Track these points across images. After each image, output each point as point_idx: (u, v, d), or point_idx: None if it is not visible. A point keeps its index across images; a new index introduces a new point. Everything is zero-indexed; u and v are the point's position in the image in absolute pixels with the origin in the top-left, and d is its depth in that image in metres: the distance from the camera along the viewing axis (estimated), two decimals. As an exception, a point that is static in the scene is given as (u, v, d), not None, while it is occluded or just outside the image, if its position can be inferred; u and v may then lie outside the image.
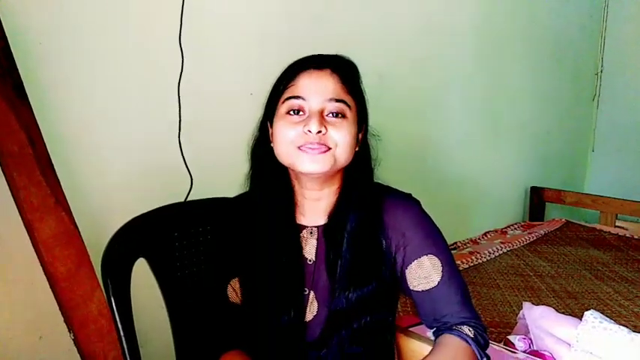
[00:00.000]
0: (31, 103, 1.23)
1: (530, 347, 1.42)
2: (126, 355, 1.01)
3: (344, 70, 0.97)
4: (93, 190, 1.46)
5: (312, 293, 0.99)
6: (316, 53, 0.99)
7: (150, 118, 1.57)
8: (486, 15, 2.84)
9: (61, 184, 1.26)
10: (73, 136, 1.42)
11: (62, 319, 1.25)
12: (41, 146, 1.23)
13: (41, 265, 1.23)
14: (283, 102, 0.94)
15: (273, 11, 1.86)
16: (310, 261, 1.00)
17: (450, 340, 0.94)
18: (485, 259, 2.49)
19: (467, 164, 2.88)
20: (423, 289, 0.98)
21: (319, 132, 0.90)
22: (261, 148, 1.01)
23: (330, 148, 0.92)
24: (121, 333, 1.01)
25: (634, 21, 3.63)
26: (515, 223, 3.19)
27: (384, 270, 0.98)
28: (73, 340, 1.25)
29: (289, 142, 0.92)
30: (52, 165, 1.24)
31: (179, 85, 1.59)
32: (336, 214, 0.99)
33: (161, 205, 1.17)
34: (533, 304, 1.51)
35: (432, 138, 2.66)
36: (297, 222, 1.02)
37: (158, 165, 1.59)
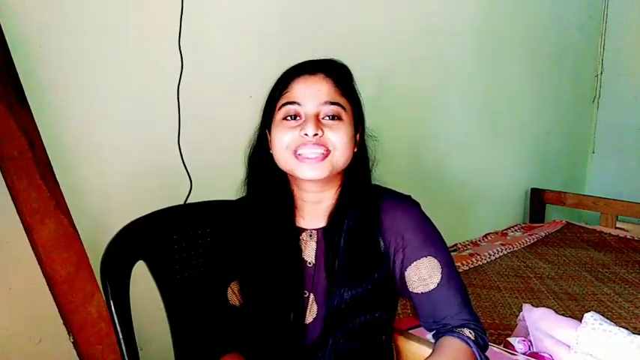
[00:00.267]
0: (31, 106, 1.23)
1: (530, 349, 1.42)
2: (125, 357, 1.01)
3: (337, 73, 0.98)
4: (92, 193, 1.46)
5: (311, 296, 1.00)
6: (310, 59, 1.00)
7: (149, 120, 1.57)
8: (486, 16, 2.84)
9: (61, 187, 1.26)
10: (72, 139, 1.42)
11: (62, 321, 1.25)
12: (41, 149, 1.23)
13: (41, 267, 1.23)
14: (279, 109, 0.96)
15: (272, 12, 1.86)
16: (310, 264, 1.01)
17: (451, 342, 0.94)
18: (485, 261, 2.48)
19: (467, 165, 2.88)
20: (423, 291, 0.98)
21: (315, 135, 0.91)
22: (260, 155, 1.02)
23: (328, 152, 0.93)
24: (120, 336, 1.01)
25: (634, 22, 3.63)
26: (516, 225, 3.19)
27: (380, 271, 0.98)
28: (72, 342, 1.24)
29: (286, 147, 0.94)
30: (52, 168, 1.25)
31: (178, 87, 1.59)
32: (336, 216, 1.00)
33: (160, 207, 1.18)
34: (533, 305, 1.50)
35: (432, 139, 2.66)
36: (297, 225, 1.02)
37: (157, 167, 1.59)
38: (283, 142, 0.94)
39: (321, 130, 0.92)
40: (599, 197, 3.23)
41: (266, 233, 1.00)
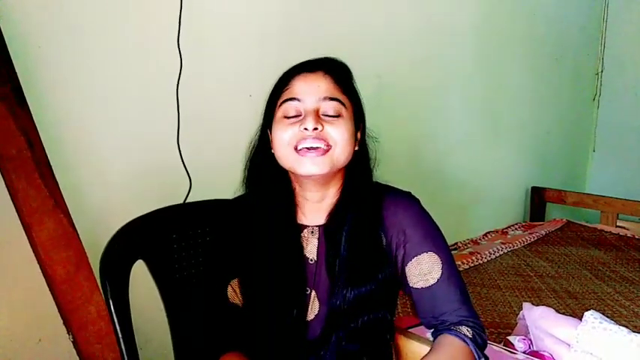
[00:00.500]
0: (30, 106, 1.23)
1: (530, 348, 1.42)
2: (124, 356, 1.01)
3: (337, 71, 0.99)
4: (91, 193, 1.46)
5: (313, 293, 1.00)
6: (310, 58, 1.01)
7: (149, 119, 1.57)
8: (486, 15, 2.84)
9: (60, 186, 1.26)
10: (71, 139, 1.42)
11: (61, 321, 1.26)
12: (40, 149, 1.23)
13: (40, 267, 1.23)
14: (279, 106, 0.96)
15: (272, 12, 1.86)
16: (312, 260, 1.01)
17: (449, 341, 0.94)
18: (485, 260, 2.48)
19: (467, 164, 2.87)
20: (423, 286, 0.98)
21: (315, 129, 0.91)
22: (261, 154, 1.02)
23: (329, 147, 0.93)
24: (120, 335, 1.01)
25: (634, 21, 3.63)
26: (516, 224, 3.19)
27: (383, 269, 0.99)
28: (72, 342, 1.25)
29: (287, 144, 0.94)
30: (51, 168, 1.25)
31: (178, 87, 1.59)
32: (337, 213, 1.00)
33: (160, 206, 1.17)
34: (533, 304, 1.50)
35: (432, 138, 2.65)
36: (299, 222, 1.02)
37: (157, 166, 1.59)
38: (284, 138, 0.94)
39: (321, 124, 0.92)
40: (600, 196, 3.23)
41: (267, 230, 1.00)
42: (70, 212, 1.27)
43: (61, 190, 1.27)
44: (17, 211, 1.22)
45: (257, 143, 1.04)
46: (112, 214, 1.34)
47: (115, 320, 1.01)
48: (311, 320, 0.99)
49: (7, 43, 1.22)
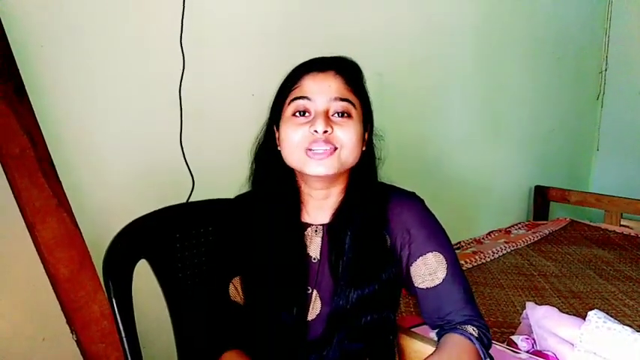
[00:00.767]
0: (33, 105, 1.24)
1: (533, 347, 1.42)
2: (128, 355, 1.01)
3: (348, 71, 0.98)
4: (94, 192, 1.46)
5: (315, 292, 1.00)
6: (319, 56, 1.00)
7: (151, 119, 1.57)
8: (488, 13, 2.83)
9: (63, 185, 1.26)
10: (74, 138, 1.42)
11: (65, 320, 1.26)
12: (43, 148, 1.23)
13: (43, 266, 1.23)
14: (289, 104, 0.95)
15: (274, 11, 1.86)
16: (315, 259, 1.00)
17: (455, 340, 0.94)
18: (489, 259, 2.48)
19: (470, 164, 2.87)
20: (428, 286, 0.98)
21: (325, 132, 0.91)
22: (267, 151, 1.02)
23: (336, 149, 0.92)
24: (123, 334, 1.01)
25: (638, 18, 3.61)
26: (520, 223, 3.18)
27: (387, 270, 0.98)
28: (75, 341, 1.25)
29: (296, 145, 0.93)
30: (54, 167, 1.25)
31: (180, 86, 1.59)
32: (341, 212, 1.00)
33: (163, 206, 1.17)
34: (536, 303, 1.50)
35: (435, 138, 2.65)
36: (302, 220, 1.02)
37: (160, 166, 1.60)
38: (293, 139, 0.93)
39: (331, 127, 0.92)
40: (604, 195, 3.22)
41: (271, 228, 1.00)
42: (73, 211, 1.27)
43: (64, 190, 1.27)
44: (20, 210, 1.22)
45: (263, 139, 1.03)
46: (114, 213, 1.34)
47: (119, 319, 1.01)
48: (312, 320, 0.99)
49: (9, 42, 1.22)
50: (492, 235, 2.91)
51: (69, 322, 1.25)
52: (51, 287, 1.25)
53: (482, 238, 2.85)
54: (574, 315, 1.44)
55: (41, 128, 1.24)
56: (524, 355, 1.35)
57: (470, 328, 0.95)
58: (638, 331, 1.25)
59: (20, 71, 1.22)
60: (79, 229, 1.26)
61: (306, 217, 1.02)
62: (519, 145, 3.25)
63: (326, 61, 0.98)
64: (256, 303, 0.99)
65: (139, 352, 1.03)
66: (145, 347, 1.08)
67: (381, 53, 2.25)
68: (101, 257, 1.04)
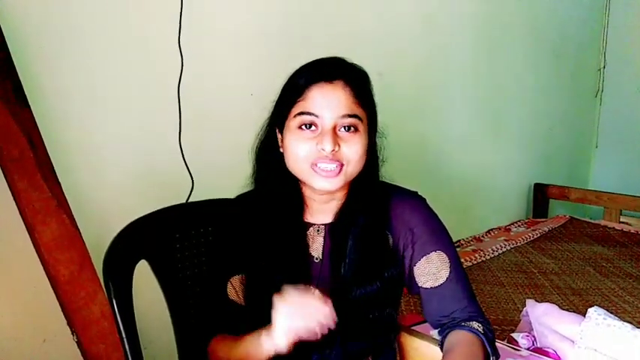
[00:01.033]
0: (32, 107, 1.24)
1: (533, 344, 1.42)
2: (128, 356, 1.01)
3: (356, 81, 0.96)
4: (94, 193, 1.46)
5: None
6: (324, 58, 0.97)
7: (150, 119, 1.57)
8: (488, 11, 2.83)
9: (62, 186, 1.26)
10: (73, 139, 1.42)
11: (65, 321, 1.26)
12: (42, 150, 1.23)
13: (43, 268, 1.24)
14: (295, 116, 0.93)
15: (272, 10, 1.86)
16: (317, 259, 1.01)
17: (463, 336, 0.95)
18: (488, 257, 2.48)
19: (469, 162, 2.87)
20: (432, 285, 0.99)
21: (333, 150, 0.90)
22: (269, 151, 1.01)
23: (342, 166, 0.92)
24: (124, 335, 1.01)
25: (637, 15, 3.61)
26: (519, 221, 3.18)
27: (389, 270, 0.99)
28: (76, 342, 1.25)
29: (303, 159, 0.93)
30: (53, 168, 1.25)
31: (179, 86, 1.59)
32: (343, 213, 1.00)
33: (162, 206, 1.17)
34: (536, 301, 1.50)
35: (434, 136, 2.65)
36: (305, 220, 1.02)
37: (159, 166, 1.60)
38: (299, 153, 0.93)
39: (338, 144, 0.91)
40: (603, 192, 3.22)
41: (273, 228, 1.00)
42: (73, 213, 1.27)
43: (64, 191, 1.27)
44: (20, 211, 1.22)
45: (264, 139, 1.03)
46: (114, 214, 1.34)
47: (119, 320, 1.01)
48: None
49: (8, 43, 1.22)
50: (492, 233, 2.91)
51: (69, 322, 1.25)
52: (51, 288, 1.25)
53: (482, 236, 2.85)
54: (574, 312, 1.44)
55: (40, 130, 1.25)
56: (524, 353, 1.35)
57: (475, 324, 0.96)
58: (638, 328, 1.25)
59: (19, 72, 1.22)
60: (79, 230, 1.26)
61: (308, 217, 1.03)
62: (519, 143, 3.25)
63: (334, 68, 0.95)
64: (259, 302, 0.99)
65: (139, 352, 1.03)
66: (146, 347, 1.08)
67: (381, 52, 2.25)
68: (101, 258, 1.04)
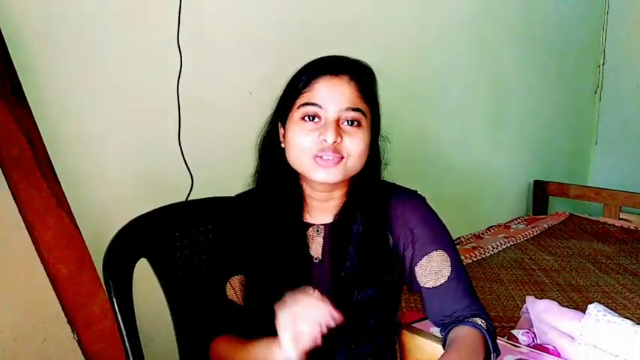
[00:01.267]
0: (31, 106, 1.23)
1: (533, 341, 1.42)
2: (129, 354, 1.01)
3: (362, 77, 0.96)
4: (93, 192, 1.46)
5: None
6: (332, 55, 0.98)
7: (149, 118, 1.57)
8: (487, 10, 2.83)
9: (62, 185, 1.26)
10: (73, 138, 1.42)
11: (65, 320, 1.26)
12: (41, 148, 1.23)
13: (43, 266, 1.24)
14: (299, 107, 0.93)
15: (271, 10, 1.85)
16: (317, 259, 1.01)
17: (466, 331, 0.95)
18: (488, 254, 2.48)
19: (469, 159, 2.87)
20: (434, 285, 0.99)
21: (335, 142, 0.90)
22: (270, 147, 1.01)
23: (342, 157, 0.92)
24: (124, 333, 1.01)
25: (636, 12, 3.61)
26: (519, 218, 3.18)
27: (390, 271, 0.99)
28: (76, 341, 1.25)
29: (305, 151, 0.92)
30: (53, 167, 1.25)
31: (178, 85, 1.59)
32: (343, 213, 1.00)
33: (162, 204, 1.18)
34: (536, 297, 1.50)
35: (434, 133, 2.65)
36: (304, 220, 1.02)
37: (158, 165, 1.60)
38: (302, 145, 0.92)
39: (340, 136, 0.91)
40: (602, 188, 3.22)
41: (273, 227, 0.99)
42: (73, 211, 1.27)
43: (63, 190, 1.27)
44: (20, 210, 1.22)
45: (266, 135, 1.02)
46: (114, 212, 1.34)
47: (119, 319, 1.01)
48: None
49: (6, 42, 1.22)
50: (492, 230, 2.91)
51: (70, 321, 1.25)
52: (51, 287, 1.25)
53: (482, 234, 2.85)
54: (574, 308, 1.44)
55: (40, 129, 1.24)
56: (524, 349, 1.35)
57: (478, 320, 0.96)
58: (638, 324, 1.25)
59: (18, 71, 1.22)
60: (79, 229, 1.27)
61: (308, 217, 1.02)
62: (518, 141, 3.25)
63: (341, 63, 0.95)
64: (258, 302, 0.99)
65: (140, 351, 1.03)
66: (147, 346, 1.08)
67: (380, 51, 2.25)
68: (101, 256, 1.04)
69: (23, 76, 1.23)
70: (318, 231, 1.01)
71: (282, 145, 0.98)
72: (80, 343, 1.24)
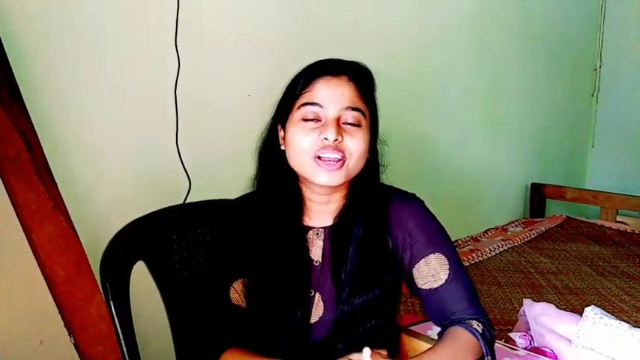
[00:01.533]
0: (28, 108, 1.23)
1: (530, 344, 1.42)
2: (126, 358, 1.00)
3: (361, 78, 0.97)
4: (91, 194, 1.46)
5: (317, 295, 0.99)
6: (332, 58, 0.98)
7: (147, 121, 1.57)
8: (484, 10, 2.83)
9: (59, 188, 1.26)
10: (70, 140, 1.42)
11: (62, 323, 1.25)
12: (39, 151, 1.23)
13: (40, 269, 1.23)
14: (299, 108, 0.94)
15: (269, 11, 1.86)
16: (317, 262, 1.00)
17: (458, 333, 0.95)
18: (486, 257, 2.48)
19: (466, 161, 2.87)
20: (431, 287, 0.99)
21: (336, 140, 0.90)
22: (270, 150, 1.01)
23: (345, 158, 0.92)
24: (121, 336, 1.01)
25: (632, 15, 3.62)
26: (516, 220, 3.19)
27: (389, 273, 0.99)
28: (73, 344, 1.25)
29: (305, 151, 0.92)
30: (50, 169, 1.25)
31: (176, 87, 1.59)
32: (343, 216, 1.00)
33: (159, 207, 1.17)
34: (534, 300, 1.50)
35: (431, 135, 2.65)
36: (304, 223, 1.02)
37: (156, 167, 1.59)
38: (302, 145, 0.92)
39: (341, 135, 0.91)
40: (599, 191, 3.23)
41: (273, 231, 0.99)
42: (70, 214, 1.27)
43: (60, 192, 1.26)
44: (17, 213, 1.22)
45: (266, 138, 1.02)
46: (111, 215, 1.34)
47: (116, 321, 1.01)
48: (315, 323, 0.99)
49: (3, 44, 1.22)
50: (489, 233, 2.91)
51: (66, 324, 1.25)
52: (48, 290, 1.24)
53: (479, 236, 2.85)
54: (571, 311, 1.44)
55: (37, 131, 1.24)
56: (522, 352, 1.35)
57: (475, 324, 0.96)
58: (634, 327, 1.25)
59: (15, 74, 1.22)
60: (76, 232, 1.26)
61: (307, 220, 1.02)
62: (515, 143, 3.25)
63: (340, 64, 0.96)
64: (259, 306, 0.98)
65: (137, 354, 1.03)
66: (144, 349, 1.08)
67: (380, 51, 2.26)
68: (98, 259, 1.03)
69: (21, 78, 1.23)
70: (318, 234, 1.01)
71: (282, 148, 0.98)
72: (77, 346, 1.24)
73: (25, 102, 1.23)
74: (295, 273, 0.98)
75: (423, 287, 1.00)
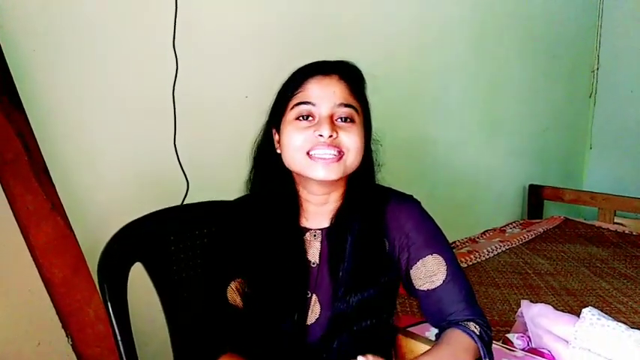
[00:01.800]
0: (26, 110, 1.23)
1: (528, 345, 1.42)
2: (123, 359, 1.00)
3: (351, 76, 0.98)
4: (88, 195, 1.46)
5: (314, 296, 1.00)
6: (321, 60, 1.00)
7: (145, 121, 1.57)
8: (482, 12, 2.84)
9: (57, 188, 1.26)
10: (68, 142, 1.42)
11: (60, 324, 1.25)
12: (36, 153, 1.23)
13: (38, 270, 1.23)
14: (292, 108, 0.95)
15: (267, 12, 1.86)
16: (314, 264, 1.01)
17: (455, 335, 0.95)
18: (484, 258, 2.49)
19: (464, 163, 2.88)
20: (428, 288, 0.99)
21: (330, 136, 0.91)
22: (265, 154, 1.01)
23: (342, 154, 0.92)
24: (119, 337, 1.01)
25: (630, 17, 3.63)
26: (514, 222, 3.19)
27: (386, 274, 0.99)
28: (71, 345, 1.25)
29: (299, 148, 0.93)
30: (48, 171, 1.25)
31: (174, 89, 1.59)
32: (340, 217, 1.00)
33: (157, 208, 1.17)
34: (531, 301, 1.51)
35: (429, 138, 2.65)
36: (301, 225, 1.02)
37: (154, 169, 1.59)
38: (296, 143, 0.93)
39: (336, 131, 0.92)
40: (597, 193, 3.24)
41: (270, 232, 1.00)
42: (68, 215, 1.27)
43: (58, 194, 1.26)
44: (14, 214, 1.22)
45: (261, 141, 1.03)
46: (109, 216, 1.34)
47: (114, 323, 1.01)
48: (311, 324, 0.99)
49: (1, 46, 1.22)
50: (487, 235, 2.91)
51: (64, 326, 1.25)
52: (46, 291, 1.24)
53: (477, 238, 2.85)
54: (569, 312, 1.45)
55: (35, 132, 1.24)
56: (519, 353, 1.35)
57: (472, 325, 0.96)
58: (632, 328, 1.26)
59: (13, 76, 1.22)
60: (74, 233, 1.26)
61: (305, 222, 1.02)
62: (513, 145, 3.26)
63: (330, 65, 0.98)
64: (256, 307, 0.99)
65: (134, 355, 1.03)
66: (141, 350, 1.08)
67: (380, 51, 2.26)
68: (96, 261, 1.03)
69: (18, 80, 1.23)
70: (315, 235, 1.02)
71: (278, 151, 0.99)
72: (75, 347, 1.24)
73: (23, 103, 1.23)
74: (292, 275, 0.98)
75: (421, 288, 1.00)
